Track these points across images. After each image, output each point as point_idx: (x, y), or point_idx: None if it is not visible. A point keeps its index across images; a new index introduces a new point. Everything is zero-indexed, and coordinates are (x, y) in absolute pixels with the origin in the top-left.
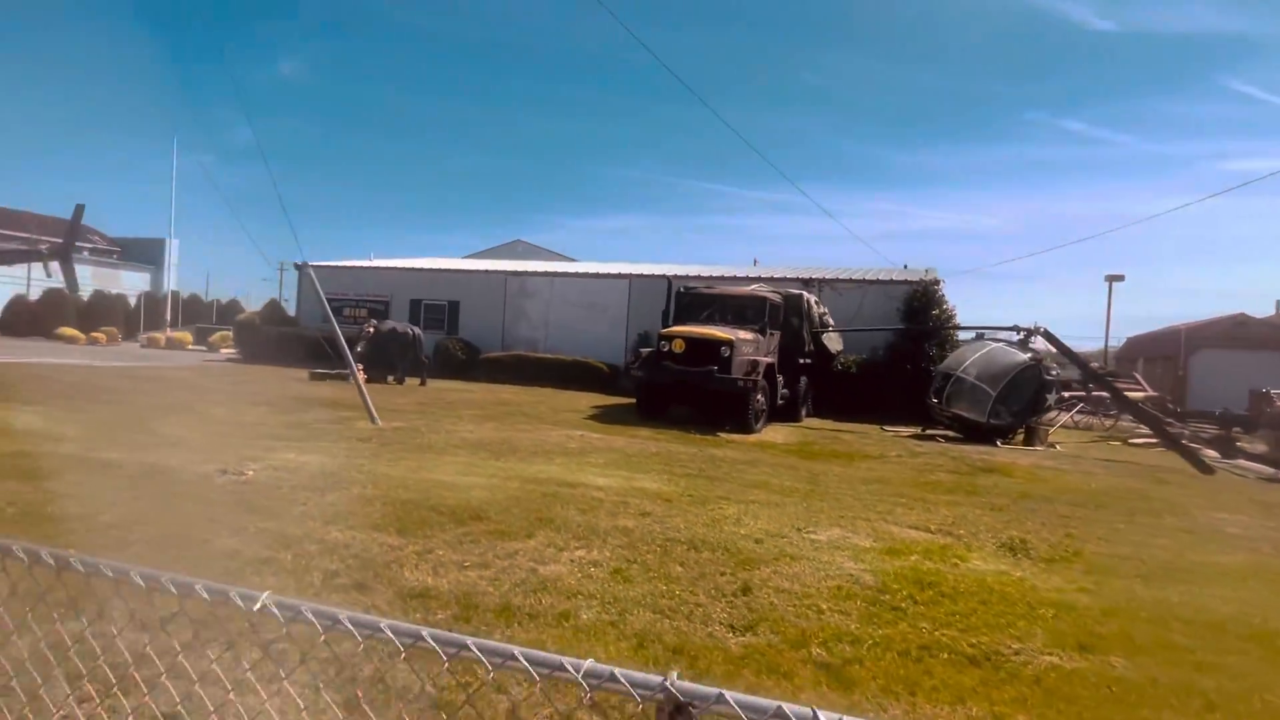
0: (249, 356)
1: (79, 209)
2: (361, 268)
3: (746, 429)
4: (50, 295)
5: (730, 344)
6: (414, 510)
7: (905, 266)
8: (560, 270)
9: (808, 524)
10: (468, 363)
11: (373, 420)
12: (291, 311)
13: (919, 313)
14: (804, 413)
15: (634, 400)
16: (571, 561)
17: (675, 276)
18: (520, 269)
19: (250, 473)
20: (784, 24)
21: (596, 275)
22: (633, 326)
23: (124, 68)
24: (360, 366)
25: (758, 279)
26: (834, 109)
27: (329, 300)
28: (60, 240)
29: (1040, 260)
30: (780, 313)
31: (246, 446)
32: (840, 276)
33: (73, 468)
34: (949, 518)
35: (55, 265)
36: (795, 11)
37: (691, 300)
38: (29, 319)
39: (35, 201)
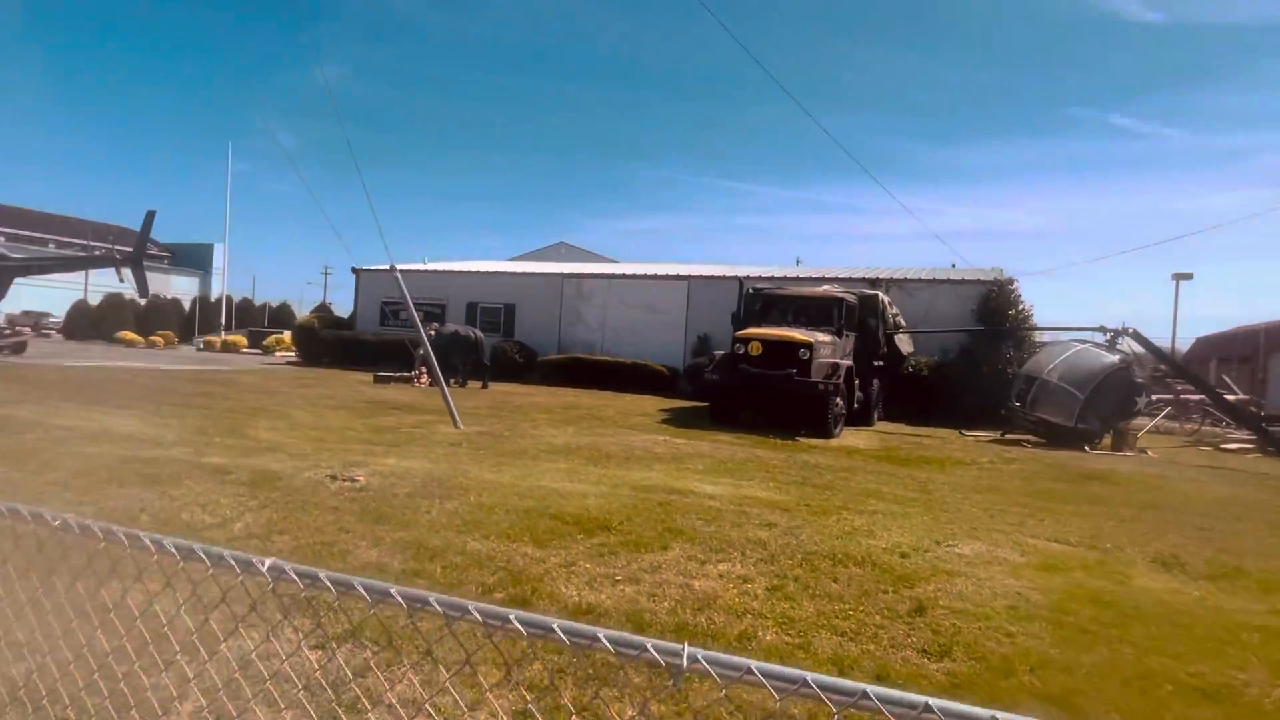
0: (307, 359)
1: (150, 216)
2: (417, 271)
3: (825, 434)
4: (109, 300)
5: (810, 346)
6: (538, 519)
7: (953, 265)
8: (617, 272)
9: (944, 536)
10: (525, 365)
11: (455, 424)
12: (340, 315)
13: (994, 314)
14: (875, 416)
15: (699, 403)
16: (720, 576)
17: (742, 277)
18: (577, 271)
19: (361, 478)
20: (820, 22)
21: (654, 277)
22: (691, 329)
23: (170, 77)
24: (423, 370)
25: (824, 279)
26: (869, 106)
27: (386, 304)
28: (130, 248)
29: (1094, 257)
30: (855, 314)
31: (344, 451)
32: (909, 276)
33: (187, 473)
34: (1084, 530)
35: (127, 271)
36: (832, 9)
37: (764, 301)
38: (88, 323)
39: (84, 208)
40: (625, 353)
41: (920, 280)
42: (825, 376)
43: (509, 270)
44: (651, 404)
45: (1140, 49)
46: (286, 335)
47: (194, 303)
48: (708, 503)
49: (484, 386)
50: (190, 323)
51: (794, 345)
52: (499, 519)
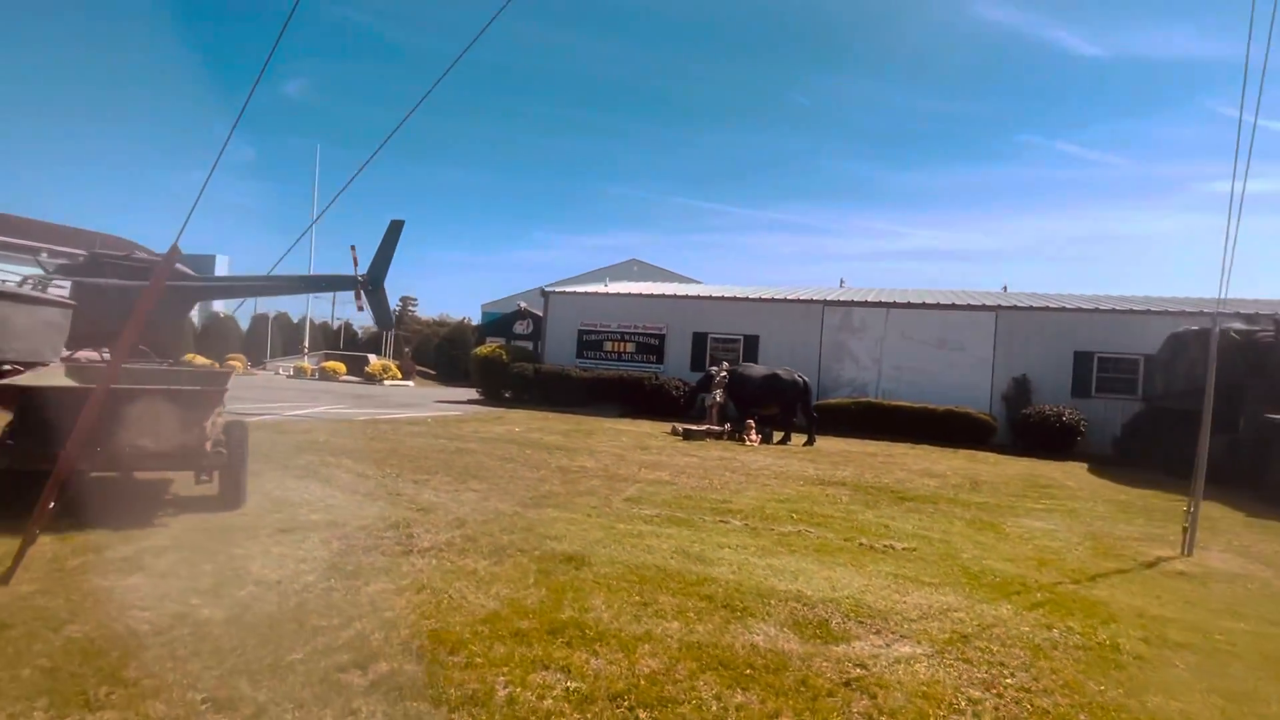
0: (489, 397)
1: (396, 227)
2: (620, 295)
3: None
4: None
5: None
6: None
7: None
8: (899, 300)
9: None
10: None
11: (1188, 549)
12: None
13: None
14: None
15: (1031, 457)
16: None
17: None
18: (844, 298)
19: None
20: (774, 47)
21: (950, 307)
22: (1001, 368)
23: (142, 87)
24: (752, 424)
25: (1194, 314)
26: (823, 130)
27: (584, 331)
28: (365, 273)
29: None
30: None
31: None
32: None
33: None
34: None
35: (360, 297)
36: (786, 36)
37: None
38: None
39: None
40: (905, 395)
41: None
42: None
43: (751, 296)
44: (1027, 468)
45: (1084, 81)
46: (385, 361)
47: (269, 322)
48: None
49: (809, 442)
50: (253, 344)
51: None
52: None
